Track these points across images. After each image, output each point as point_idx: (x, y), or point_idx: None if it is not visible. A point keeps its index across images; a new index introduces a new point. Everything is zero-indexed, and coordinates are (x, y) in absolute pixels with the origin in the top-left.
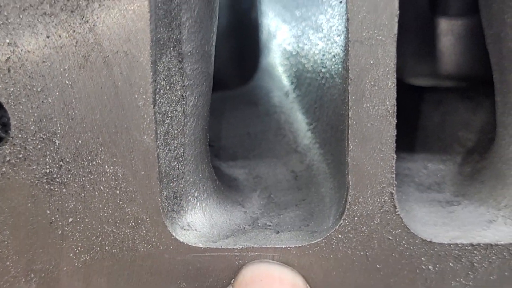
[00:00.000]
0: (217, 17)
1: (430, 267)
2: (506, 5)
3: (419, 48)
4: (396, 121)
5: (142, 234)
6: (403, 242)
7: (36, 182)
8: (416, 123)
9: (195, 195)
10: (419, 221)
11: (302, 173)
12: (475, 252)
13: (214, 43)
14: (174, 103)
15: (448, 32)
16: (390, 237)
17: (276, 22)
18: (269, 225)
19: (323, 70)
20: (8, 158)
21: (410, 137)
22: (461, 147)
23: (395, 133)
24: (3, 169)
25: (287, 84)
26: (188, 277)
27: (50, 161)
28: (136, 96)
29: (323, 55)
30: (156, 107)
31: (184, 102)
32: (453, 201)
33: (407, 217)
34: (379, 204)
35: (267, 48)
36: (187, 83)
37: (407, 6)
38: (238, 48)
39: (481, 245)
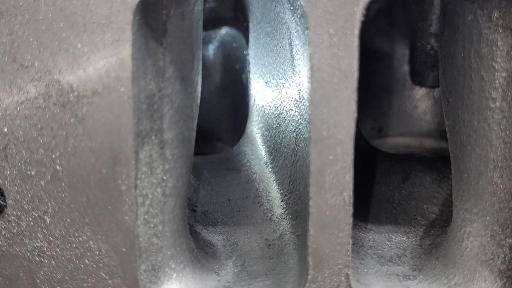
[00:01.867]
0: (198, 104)
1: None
2: (460, 102)
3: (399, 110)
4: (352, 210)
5: None
6: None
7: (28, 254)
8: (385, 195)
9: (172, 266)
10: None
11: (274, 242)
12: None
13: (194, 127)
14: (154, 185)
15: (425, 98)
16: None
17: (260, 87)
18: None
19: (296, 148)
20: (3, 233)
21: (378, 208)
22: (425, 220)
23: (352, 221)
24: None
25: (266, 155)
26: None
27: (41, 236)
28: (119, 182)
29: (297, 135)
30: (138, 191)
31: (164, 184)
32: (410, 275)
33: None
34: (335, 284)
35: (252, 115)
36: (167, 167)
37: (390, 74)
38: (229, 109)
39: None
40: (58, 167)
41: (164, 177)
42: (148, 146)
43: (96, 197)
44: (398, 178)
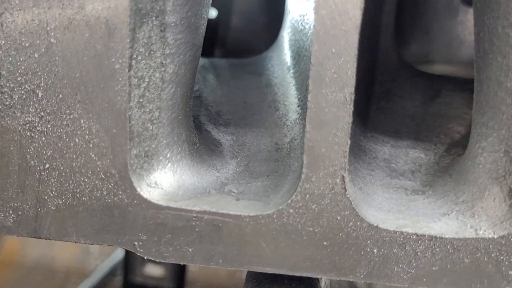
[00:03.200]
0: None
1: (374, 250)
2: (486, 7)
3: (449, 35)
4: (353, 109)
5: (110, 186)
6: (351, 224)
7: (19, 128)
8: (409, 110)
9: (167, 156)
10: (374, 206)
11: (283, 146)
12: (419, 242)
13: (205, 16)
14: (152, 69)
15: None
16: (338, 218)
17: None
18: (233, 192)
19: None
20: None
21: (399, 123)
22: (448, 138)
23: (351, 120)
24: None
25: (290, 60)
26: (149, 231)
27: (33, 110)
28: (113, 60)
29: None
30: (132, 72)
31: (163, 69)
32: (419, 190)
33: (361, 200)
34: (330, 185)
35: (285, 20)
36: (168, 51)
37: None
38: (263, 14)
39: (426, 236)
40: (52, 40)
41: (164, 62)
42: (147, 26)
43: (89, 74)
44: (426, 95)
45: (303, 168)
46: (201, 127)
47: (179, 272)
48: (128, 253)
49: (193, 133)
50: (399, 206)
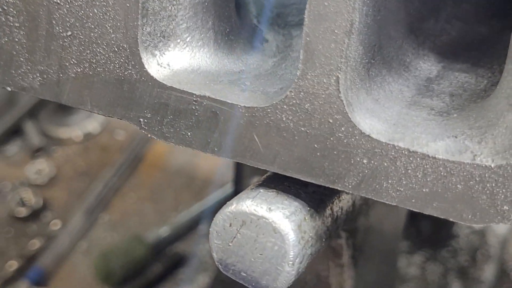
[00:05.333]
0: None
1: (364, 161)
2: None
3: None
4: (356, 4)
5: (121, 60)
6: (342, 129)
7: None
8: (483, 35)
9: (187, 40)
10: (379, 117)
11: None
12: (410, 158)
13: None
14: None
15: None
16: (330, 121)
17: None
18: (245, 84)
19: None
20: None
21: (465, 46)
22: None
23: (354, 19)
24: None
25: None
26: (153, 109)
27: None
28: None
29: None
30: None
31: None
32: (445, 112)
33: (362, 108)
34: (325, 85)
35: None
36: None
37: None
38: None
39: (418, 153)
40: None
41: None
42: None
43: None
44: (498, 21)
45: (299, 64)
46: (252, 23)
47: None
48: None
49: (227, 23)
50: (408, 122)
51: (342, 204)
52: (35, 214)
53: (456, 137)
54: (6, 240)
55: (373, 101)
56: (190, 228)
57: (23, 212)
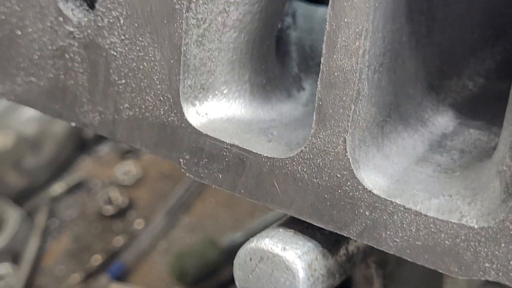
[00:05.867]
0: None
1: (367, 213)
2: None
3: None
4: (360, 76)
5: (166, 108)
6: (348, 183)
7: (107, 47)
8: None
9: (224, 92)
10: (385, 172)
11: None
12: (406, 214)
13: None
14: (214, 13)
15: None
16: (338, 175)
17: None
18: (272, 134)
19: None
20: (92, 24)
21: (483, 104)
22: None
23: (362, 88)
24: (89, 31)
25: None
26: (190, 152)
27: (116, 34)
28: (175, 0)
29: None
30: (191, 13)
31: (226, 15)
32: (450, 170)
33: (368, 164)
34: (334, 144)
35: None
36: (232, 0)
37: None
38: None
39: (412, 210)
40: None
41: (227, 9)
42: None
43: (157, 9)
44: None
45: (313, 124)
46: (292, 71)
47: None
48: None
49: (264, 76)
50: (411, 178)
51: (358, 243)
52: (121, 213)
53: (451, 196)
54: (93, 235)
55: (383, 157)
56: None
57: (110, 210)
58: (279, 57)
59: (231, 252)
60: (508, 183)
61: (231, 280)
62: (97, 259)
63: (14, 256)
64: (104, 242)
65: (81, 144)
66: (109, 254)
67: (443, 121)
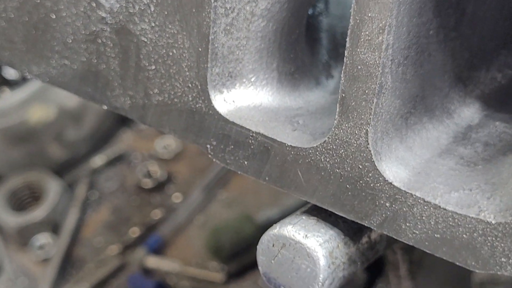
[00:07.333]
0: None
1: (387, 204)
2: None
3: None
4: (383, 70)
5: (194, 95)
6: (370, 175)
7: (137, 33)
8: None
9: (252, 80)
10: (406, 164)
11: None
12: (425, 207)
13: None
14: (243, 2)
15: None
16: (360, 166)
17: None
18: (297, 123)
19: None
20: (124, 10)
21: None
22: None
23: (385, 81)
24: (121, 17)
25: None
26: (217, 138)
27: (147, 20)
28: None
29: None
30: (219, 2)
31: (254, 4)
32: (472, 163)
33: (390, 156)
34: (356, 136)
35: None
36: None
37: None
38: None
39: (432, 203)
40: None
41: None
42: None
43: None
44: None
45: (336, 115)
46: (322, 58)
47: None
48: None
49: (292, 64)
50: (433, 171)
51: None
52: (159, 186)
53: (471, 190)
54: (132, 208)
55: (405, 148)
56: None
57: (149, 183)
58: (309, 44)
59: (266, 229)
60: None
61: None
62: (135, 232)
63: (54, 227)
64: (142, 215)
65: (122, 117)
66: (146, 227)
67: (469, 112)
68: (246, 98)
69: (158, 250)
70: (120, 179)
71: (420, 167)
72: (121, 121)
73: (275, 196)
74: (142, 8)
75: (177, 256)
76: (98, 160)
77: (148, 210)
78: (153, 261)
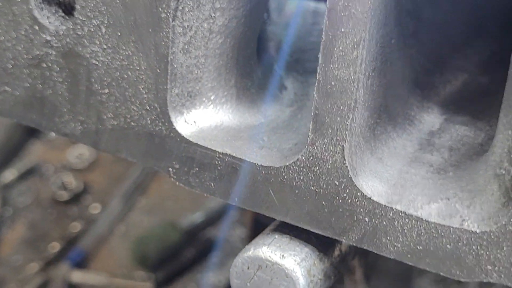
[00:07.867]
0: None
1: (366, 219)
2: None
3: None
4: (358, 86)
5: (153, 117)
6: (347, 191)
7: (88, 56)
8: (485, 87)
9: (211, 98)
10: (381, 177)
11: None
12: (406, 220)
13: None
14: (200, 20)
15: None
16: (336, 183)
17: None
18: (263, 140)
19: None
20: (72, 32)
21: (467, 98)
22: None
23: (358, 96)
24: (68, 39)
25: None
26: (180, 161)
27: (98, 43)
28: (160, 9)
29: None
30: (177, 22)
31: (212, 21)
32: (442, 170)
33: (365, 170)
34: (331, 152)
35: None
36: (219, 6)
37: None
38: None
39: (413, 216)
40: None
41: (213, 15)
42: None
43: (141, 19)
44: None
45: (309, 132)
46: (273, 71)
47: None
48: None
49: (249, 78)
50: (407, 182)
51: None
52: (76, 198)
53: (448, 199)
54: (49, 222)
55: (376, 160)
56: (222, 214)
57: (64, 195)
58: (259, 55)
59: (191, 233)
60: (508, 187)
61: (193, 262)
62: (54, 247)
63: None
64: (60, 228)
65: (30, 128)
66: (66, 240)
67: (429, 118)
68: (207, 118)
69: (82, 263)
70: (33, 193)
71: (394, 179)
72: (29, 133)
73: (195, 199)
74: (92, 30)
75: (102, 269)
76: (8, 175)
77: (66, 223)
78: (78, 276)
